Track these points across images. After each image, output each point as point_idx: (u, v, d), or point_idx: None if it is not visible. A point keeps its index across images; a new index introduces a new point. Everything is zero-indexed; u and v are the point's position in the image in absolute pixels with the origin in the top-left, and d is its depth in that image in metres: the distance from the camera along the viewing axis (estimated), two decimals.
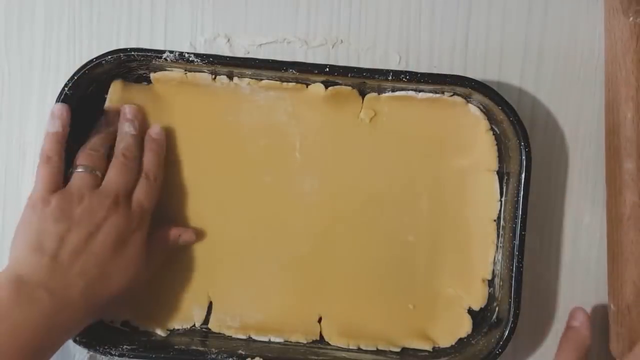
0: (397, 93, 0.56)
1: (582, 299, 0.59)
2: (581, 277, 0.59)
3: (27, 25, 0.59)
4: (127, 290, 0.51)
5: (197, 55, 0.53)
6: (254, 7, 0.59)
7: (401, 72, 0.53)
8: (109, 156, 0.53)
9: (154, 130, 0.55)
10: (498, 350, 0.53)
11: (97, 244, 0.49)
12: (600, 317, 0.59)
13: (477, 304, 0.57)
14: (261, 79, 0.56)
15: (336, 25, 0.59)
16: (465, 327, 0.57)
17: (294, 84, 0.56)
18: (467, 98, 0.56)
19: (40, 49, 0.59)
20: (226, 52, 0.58)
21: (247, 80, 0.56)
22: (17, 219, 0.58)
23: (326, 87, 0.55)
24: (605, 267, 0.59)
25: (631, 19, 0.54)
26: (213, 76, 0.56)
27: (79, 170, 0.51)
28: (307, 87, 0.56)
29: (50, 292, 0.46)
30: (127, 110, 0.54)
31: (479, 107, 0.56)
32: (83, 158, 0.52)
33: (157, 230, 0.54)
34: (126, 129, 0.54)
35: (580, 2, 0.59)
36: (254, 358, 0.53)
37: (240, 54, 0.58)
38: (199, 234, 0.57)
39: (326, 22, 0.59)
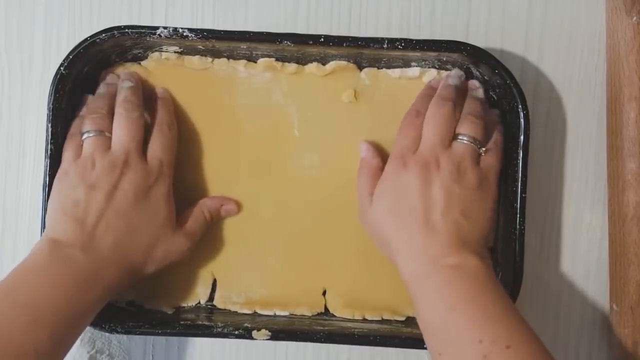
0: (392, 71, 0.57)
1: (582, 299, 0.59)
2: (581, 277, 0.59)
3: (27, 25, 0.60)
4: (163, 252, 0.52)
5: (191, 30, 0.53)
6: (254, 5, 0.59)
7: (396, 39, 0.53)
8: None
9: (159, 90, 0.56)
10: None
11: (118, 201, 0.50)
12: (601, 317, 0.59)
13: None
14: (256, 61, 0.57)
15: (336, 23, 0.59)
16: None
17: (292, 67, 0.56)
18: (465, 68, 0.56)
19: (40, 49, 0.59)
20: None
21: (243, 62, 0.57)
22: (17, 219, 0.59)
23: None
24: (605, 267, 0.59)
25: (634, 18, 0.54)
26: (211, 59, 0.57)
27: (86, 135, 0.52)
28: (304, 67, 0.57)
29: (83, 250, 0.48)
30: (123, 73, 0.55)
31: (477, 80, 0.56)
32: (88, 123, 0.52)
33: (198, 201, 0.56)
34: (124, 84, 0.54)
35: (580, 2, 0.58)
36: (260, 330, 0.54)
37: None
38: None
39: (326, 20, 0.59)
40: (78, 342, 0.57)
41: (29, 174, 0.60)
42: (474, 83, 0.55)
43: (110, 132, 0.52)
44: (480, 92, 0.55)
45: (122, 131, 0.51)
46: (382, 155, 0.55)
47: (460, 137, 0.51)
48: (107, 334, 0.59)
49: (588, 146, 0.59)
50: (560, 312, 0.59)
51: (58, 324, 0.46)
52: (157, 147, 0.52)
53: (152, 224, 0.51)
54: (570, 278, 0.59)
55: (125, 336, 0.60)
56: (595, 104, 0.59)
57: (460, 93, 0.53)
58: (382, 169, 0.53)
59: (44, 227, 0.52)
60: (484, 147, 0.51)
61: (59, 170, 0.52)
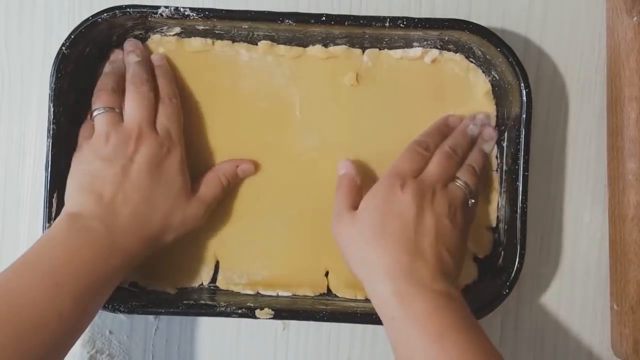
0: (394, 51, 0.57)
1: (582, 299, 0.59)
2: (581, 277, 0.59)
3: (27, 25, 0.60)
4: (180, 220, 0.53)
5: (192, 9, 0.53)
6: (255, 1, 0.59)
7: (398, 18, 0.53)
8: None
9: (155, 57, 0.57)
10: (505, 291, 0.53)
11: (134, 173, 0.51)
12: (601, 317, 0.59)
13: (482, 252, 0.57)
14: (257, 43, 0.57)
15: (337, 6, 0.59)
16: (471, 274, 0.57)
17: (294, 50, 0.57)
18: (467, 48, 0.56)
19: (40, 49, 0.59)
20: None
21: (245, 44, 0.57)
22: (17, 218, 0.59)
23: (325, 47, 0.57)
24: (605, 266, 0.59)
25: (635, 18, 0.54)
26: (212, 41, 0.57)
27: (97, 112, 0.52)
28: (305, 49, 0.57)
29: (101, 221, 0.49)
30: (127, 45, 0.56)
31: (478, 60, 0.56)
32: (97, 100, 0.53)
33: (214, 167, 0.57)
34: (130, 59, 0.55)
35: (580, 2, 0.58)
36: (263, 309, 0.54)
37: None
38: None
39: (327, 11, 0.58)
40: (79, 342, 0.57)
41: (29, 174, 0.60)
42: (489, 133, 0.56)
43: (120, 108, 0.53)
44: (489, 146, 0.56)
45: (132, 105, 0.52)
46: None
47: (458, 181, 0.52)
48: (107, 334, 0.59)
49: (588, 146, 0.59)
50: (560, 312, 0.59)
51: (79, 290, 0.47)
52: (163, 118, 0.53)
53: (168, 194, 0.52)
54: (570, 278, 0.59)
55: (125, 336, 0.59)
56: (595, 103, 0.59)
57: (472, 141, 0.55)
58: (361, 187, 0.53)
59: (48, 221, 0.53)
60: (473, 199, 0.53)
61: (75, 151, 0.53)
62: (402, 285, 0.47)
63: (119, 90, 0.54)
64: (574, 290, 0.59)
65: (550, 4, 0.59)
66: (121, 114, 0.53)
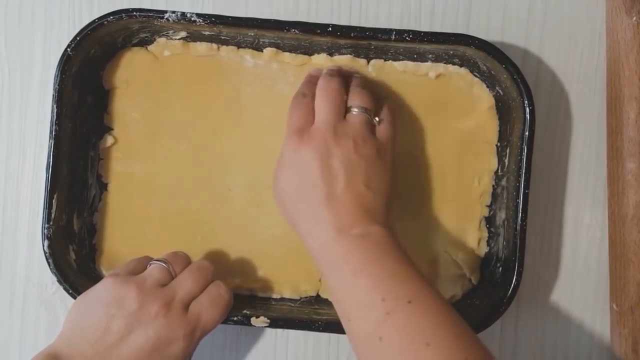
0: (399, 63, 0.57)
1: (582, 299, 0.59)
2: (581, 277, 0.59)
3: (27, 25, 0.60)
4: None
5: (199, 15, 0.53)
6: (254, 4, 0.59)
7: (404, 30, 0.53)
8: None
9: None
10: (501, 309, 0.53)
11: (133, 343, 0.47)
12: (600, 317, 0.59)
13: (474, 277, 0.58)
14: (262, 50, 0.57)
15: (336, 17, 0.59)
16: (466, 288, 0.58)
17: (299, 58, 0.57)
18: (472, 62, 0.56)
19: (40, 49, 0.59)
20: None
21: (249, 51, 0.57)
22: (17, 218, 0.59)
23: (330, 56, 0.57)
24: (605, 267, 0.59)
25: (634, 18, 0.54)
26: (217, 47, 0.57)
27: (155, 262, 0.51)
28: (310, 57, 0.57)
29: None
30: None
31: (483, 74, 0.56)
32: (168, 254, 0.52)
33: None
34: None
35: (580, 2, 0.58)
36: (258, 317, 0.54)
37: None
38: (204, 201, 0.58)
39: (326, 19, 0.59)
40: None
41: (29, 174, 0.60)
42: (354, 68, 0.56)
43: (177, 274, 0.51)
44: (360, 74, 0.56)
45: (185, 278, 0.50)
46: None
47: (353, 109, 0.51)
48: None
49: (588, 146, 0.59)
50: (560, 312, 0.59)
51: None
52: (203, 305, 0.50)
53: None
54: (570, 278, 0.59)
55: None
56: (595, 103, 0.59)
57: (343, 73, 0.54)
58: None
59: (48, 221, 0.53)
60: (376, 117, 0.52)
61: (107, 275, 0.51)
62: (325, 239, 0.47)
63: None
64: (574, 290, 0.59)
65: (550, 3, 0.59)
66: (171, 275, 0.51)
